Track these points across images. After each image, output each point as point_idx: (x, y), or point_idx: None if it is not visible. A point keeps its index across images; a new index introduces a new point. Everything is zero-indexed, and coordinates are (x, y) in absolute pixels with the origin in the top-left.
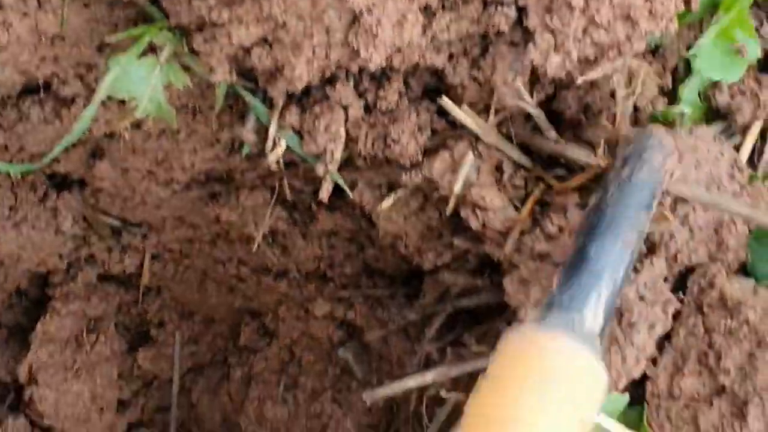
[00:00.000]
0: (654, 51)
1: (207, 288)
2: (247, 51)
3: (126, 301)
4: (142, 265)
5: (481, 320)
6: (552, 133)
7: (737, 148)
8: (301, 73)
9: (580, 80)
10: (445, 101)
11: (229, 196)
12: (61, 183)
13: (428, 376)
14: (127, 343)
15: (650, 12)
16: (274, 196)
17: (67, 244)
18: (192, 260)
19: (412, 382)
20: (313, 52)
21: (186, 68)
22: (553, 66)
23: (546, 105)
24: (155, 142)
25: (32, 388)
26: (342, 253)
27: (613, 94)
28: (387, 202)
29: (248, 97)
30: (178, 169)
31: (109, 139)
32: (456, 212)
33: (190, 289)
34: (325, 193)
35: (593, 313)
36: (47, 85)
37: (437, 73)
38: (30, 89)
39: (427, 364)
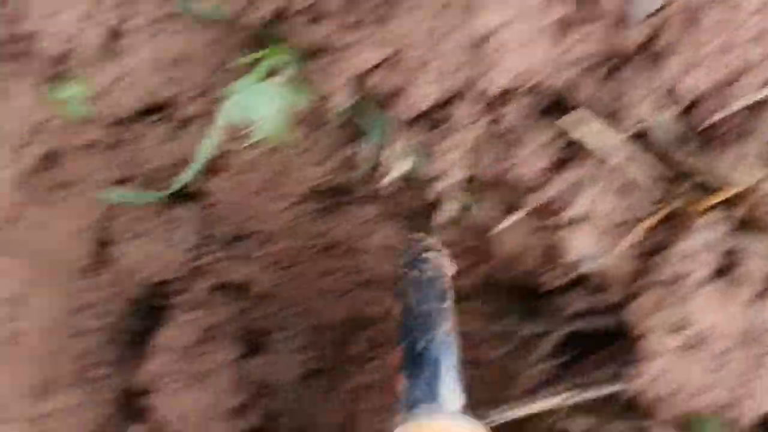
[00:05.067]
0: None
1: (317, 297)
2: (367, 73)
3: (239, 309)
4: (254, 274)
5: (600, 343)
6: (687, 149)
7: None
8: (422, 95)
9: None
10: (569, 120)
11: (341, 211)
12: (176, 196)
13: (552, 401)
14: (240, 351)
15: None
16: (387, 211)
17: (184, 256)
18: (302, 270)
19: (537, 405)
20: (435, 74)
21: (305, 89)
22: (687, 85)
23: (682, 119)
24: (269, 158)
25: (150, 396)
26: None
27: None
28: (505, 223)
29: (366, 118)
30: (291, 184)
31: (225, 155)
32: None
33: (301, 299)
34: (444, 217)
35: (451, 393)
36: (166, 106)
37: (561, 91)
38: (149, 110)
39: (539, 386)
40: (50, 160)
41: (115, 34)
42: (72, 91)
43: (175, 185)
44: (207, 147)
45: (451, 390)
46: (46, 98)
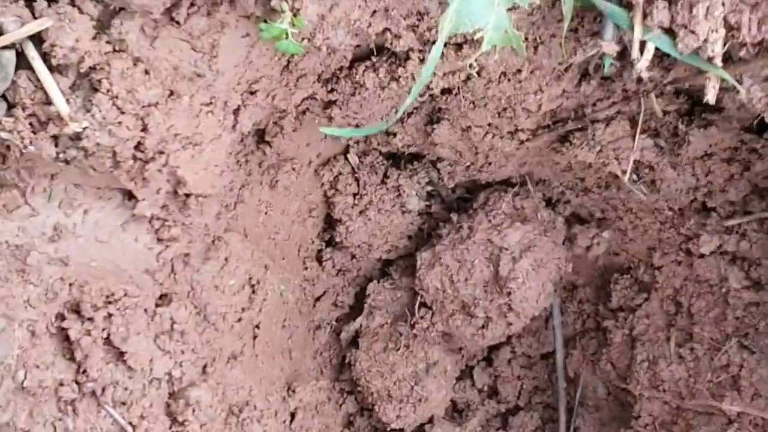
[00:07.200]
0: None
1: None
2: None
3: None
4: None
5: None
6: None
7: None
8: None
9: None
10: None
11: (584, 133)
12: (398, 159)
13: None
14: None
15: None
16: (639, 125)
17: (414, 224)
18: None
19: None
20: None
21: None
22: None
23: None
24: (496, 88)
25: None
26: (722, 178)
27: None
28: None
29: (602, 4)
30: (522, 115)
31: (447, 96)
32: None
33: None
34: (711, 93)
35: None
36: (380, 44)
37: None
38: (361, 57)
39: None
40: (265, 131)
41: None
42: (282, 27)
43: (401, 109)
44: (432, 61)
45: None
46: (255, 53)
